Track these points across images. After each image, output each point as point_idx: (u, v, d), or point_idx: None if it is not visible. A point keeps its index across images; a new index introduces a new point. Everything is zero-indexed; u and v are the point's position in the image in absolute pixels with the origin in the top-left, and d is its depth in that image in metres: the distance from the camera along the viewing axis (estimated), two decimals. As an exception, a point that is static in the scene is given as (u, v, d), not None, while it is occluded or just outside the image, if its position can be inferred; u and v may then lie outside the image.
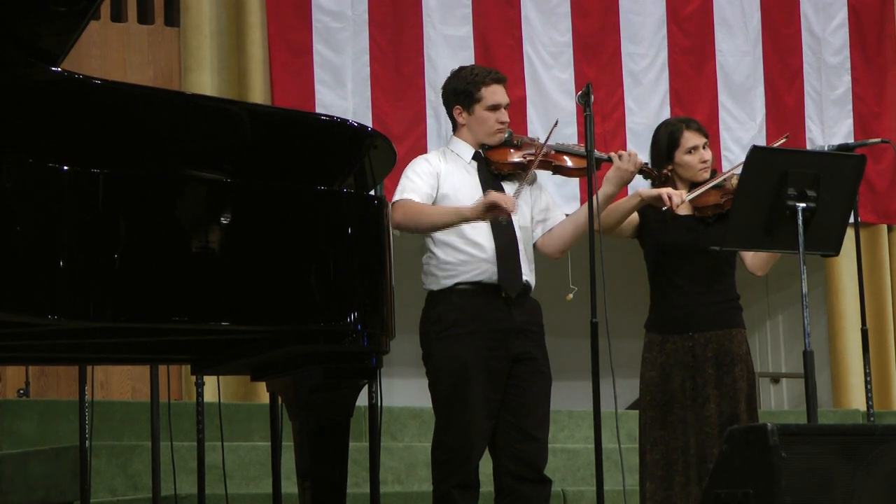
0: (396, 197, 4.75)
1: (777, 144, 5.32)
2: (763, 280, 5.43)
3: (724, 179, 4.97)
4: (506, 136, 4.83)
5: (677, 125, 5.08)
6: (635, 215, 4.99)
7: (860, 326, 6.31)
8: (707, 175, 5.03)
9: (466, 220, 4.66)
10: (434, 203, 4.76)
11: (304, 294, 3.72)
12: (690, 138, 5.02)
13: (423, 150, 7.89)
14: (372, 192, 4.29)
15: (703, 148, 5.03)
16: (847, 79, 9.18)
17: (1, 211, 3.37)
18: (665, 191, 4.86)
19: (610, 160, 4.80)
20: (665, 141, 5.03)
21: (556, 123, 5.02)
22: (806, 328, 4.64)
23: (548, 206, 4.92)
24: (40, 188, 3.43)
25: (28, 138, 3.76)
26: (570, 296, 4.78)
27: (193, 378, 5.67)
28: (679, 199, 4.83)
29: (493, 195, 4.62)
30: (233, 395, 7.32)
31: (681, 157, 5.00)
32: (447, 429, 4.69)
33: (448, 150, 4.88)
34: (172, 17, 8.04)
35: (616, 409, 4.80)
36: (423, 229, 4.73)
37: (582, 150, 4.80)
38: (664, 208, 4.83)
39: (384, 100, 8.02)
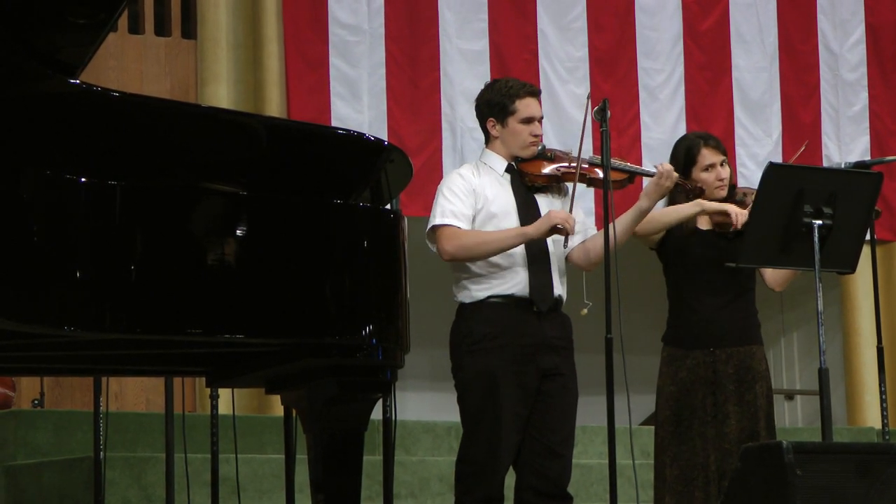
0: (438, 221, 4.66)
1: (796, 156, 5.30)
2: (778, 297, 5.42)
3: (745, 196, 4.97)
4: (539, 148, 4.82)
5: (695, 141, 5.03)
6: None
7: (876, 344, 6.30)
8: (724, 193, 5.01)
9: (530, 238, 4.63)
10: (473, 219, 4.73)
11: (318, 307, 3.73)
12: (708, 156, 4.99)
13: (439, 164, 7.89)
14: (388, 206, 4.29)
15: (721, 165, 5.00)
16: (864, 95, 9.15)
17: (18, 222, 3.39)
18: (731, 207, 4.86)
19: (649, 174, 4.80)
20: (682, 157, 5.00)
21: (589, 108, 4.84)
22: (821, 345, 4.62)
23: (582, 219, 4.89)
24: (57, 200, 3.45)
25: (46, 150, 3.77)
26: (585, 311, 4.76)
27: (208, 390, 5.67)
28: (744, 217, 4.81)
29: (555, 216, 4.60)
30: (247, 408, 7.32)
31: (698, 174, 4.98)
32: (474, 442, 4.65)
33: (481, 163, 4.82)
34: (189, 29, 8.06)
35: (630, 425, 4.79)
36: (482, 258, 4.66)
37: (614, 163, 4.78)
38: (731, 229, 4.84)
39: (400, 113, 8.02)
